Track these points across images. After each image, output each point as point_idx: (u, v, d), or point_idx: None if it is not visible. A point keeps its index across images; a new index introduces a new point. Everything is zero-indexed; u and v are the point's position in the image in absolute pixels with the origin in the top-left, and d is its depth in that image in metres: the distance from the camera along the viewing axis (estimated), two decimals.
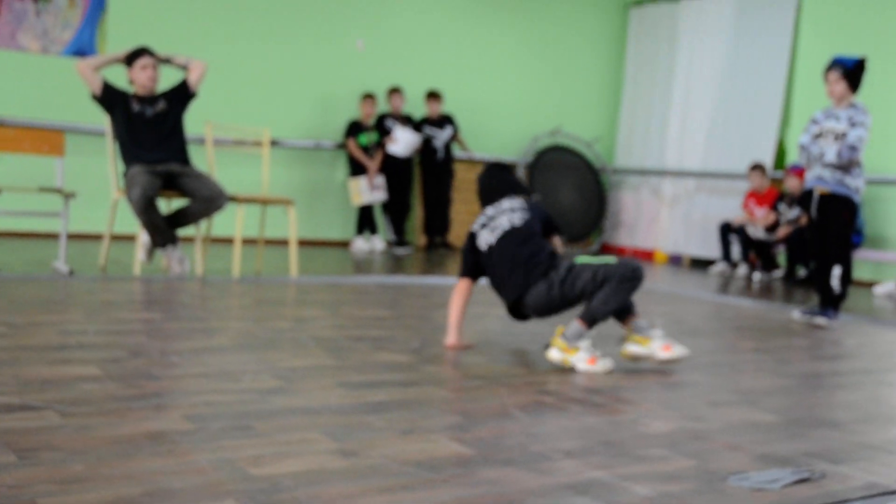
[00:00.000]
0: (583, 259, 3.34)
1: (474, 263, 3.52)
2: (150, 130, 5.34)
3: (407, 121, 8.76)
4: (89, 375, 2.56)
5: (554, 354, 3.21)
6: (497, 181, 3.70)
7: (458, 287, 3.53)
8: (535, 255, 3.38)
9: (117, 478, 1.73)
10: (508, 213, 3.51)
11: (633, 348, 3.28)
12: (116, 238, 6.74)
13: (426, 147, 8.85)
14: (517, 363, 3.21)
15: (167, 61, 5.57)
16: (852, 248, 5.35)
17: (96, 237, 7.17)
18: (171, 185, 5.28)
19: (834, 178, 4.94)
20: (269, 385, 2.59)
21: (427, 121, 8.91)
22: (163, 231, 5.14)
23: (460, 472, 1.91)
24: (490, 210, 3.58)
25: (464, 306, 3.51)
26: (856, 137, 4.83)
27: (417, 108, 9.07)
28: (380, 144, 8.57)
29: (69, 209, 5.24)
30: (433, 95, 8.88)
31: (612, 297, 3.19)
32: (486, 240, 3.48)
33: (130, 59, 5.39)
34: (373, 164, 8.47)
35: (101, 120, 6.10)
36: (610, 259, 3.28)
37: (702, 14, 9.79)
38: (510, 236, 3.43)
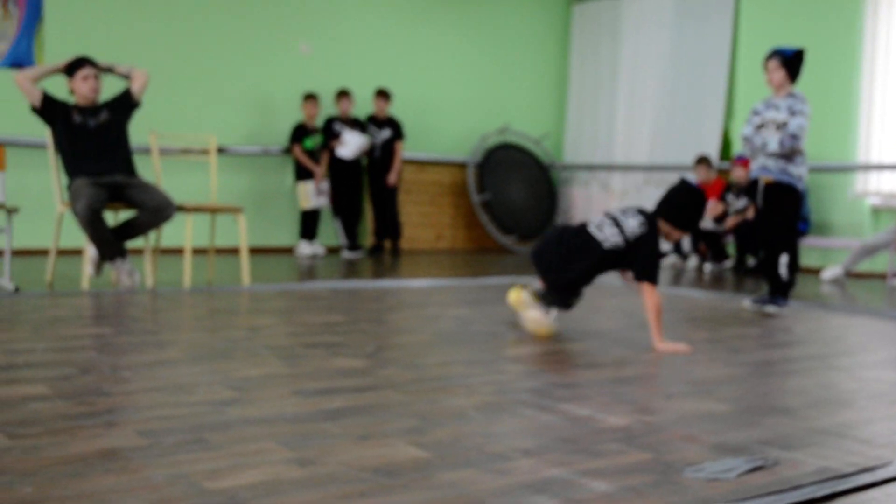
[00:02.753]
0: None
1: None
2: (94, 142, 5.25)
3: (355, 123, 8.71)
4: (38, 395, 2.51)
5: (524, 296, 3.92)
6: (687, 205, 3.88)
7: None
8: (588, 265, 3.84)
9: (69, 499, 1.70)
10: (620, 229, 3.81)
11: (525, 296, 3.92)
12: (63, 253, 6.63)
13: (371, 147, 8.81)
14: (472, 363, 3.22)
15: (109, 70, 5.49)
16: (798, 236, 5.43)
17: (42, 252, 7.05)
18: (118, 196, 5.20)
19: (777, 167, 5.02)
20: (224, 396, 2.56)
21: (372, 119, 8.87)
22: (110, 244, 5.07)
23: (418, 476, 1.90)
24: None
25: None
26: (796, 126, 4.91)
27: (364, 109, 9.04)
28: (325, 147, 8.52)
29: (12, 225, 5.14)
30: (380, 94, 8.80)
31: None
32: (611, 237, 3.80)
33: (71, 69, 5.29)
34: (319, 168, 8.42)
35: (42, 132, 5.99)
36: None
37: (644, 8, 9.89)
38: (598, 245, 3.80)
